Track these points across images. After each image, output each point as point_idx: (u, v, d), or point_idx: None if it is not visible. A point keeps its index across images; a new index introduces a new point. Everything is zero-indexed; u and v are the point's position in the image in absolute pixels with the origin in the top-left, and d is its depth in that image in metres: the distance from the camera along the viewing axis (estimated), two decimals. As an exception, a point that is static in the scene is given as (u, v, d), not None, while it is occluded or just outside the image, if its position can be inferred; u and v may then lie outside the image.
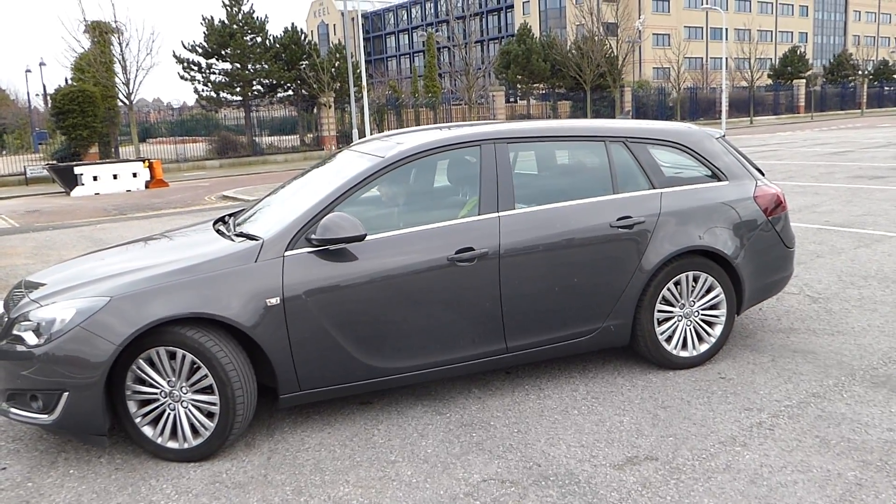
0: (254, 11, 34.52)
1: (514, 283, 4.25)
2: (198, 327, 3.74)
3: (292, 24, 36.41)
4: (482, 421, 4.13)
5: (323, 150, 34.11)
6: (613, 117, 35.21)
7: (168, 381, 3.78)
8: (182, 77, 34.48)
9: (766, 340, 5.18)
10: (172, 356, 3.75)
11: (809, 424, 3.89)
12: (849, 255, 7.71)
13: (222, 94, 34.91)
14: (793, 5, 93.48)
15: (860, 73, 73.15)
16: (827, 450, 3.62)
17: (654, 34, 76.72)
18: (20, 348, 3.74)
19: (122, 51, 27.27)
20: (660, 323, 4.62)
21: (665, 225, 4.56)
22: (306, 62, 34.83)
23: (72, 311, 3.71)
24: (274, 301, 3.84)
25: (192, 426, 3.82)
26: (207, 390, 3.77)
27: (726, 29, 64.74)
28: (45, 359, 3.66)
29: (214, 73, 34.65)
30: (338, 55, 35.87)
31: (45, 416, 3.75)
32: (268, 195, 5.24)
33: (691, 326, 4.72)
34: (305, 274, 3.92)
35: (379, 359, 4.07)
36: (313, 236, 3.94)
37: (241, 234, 4.27)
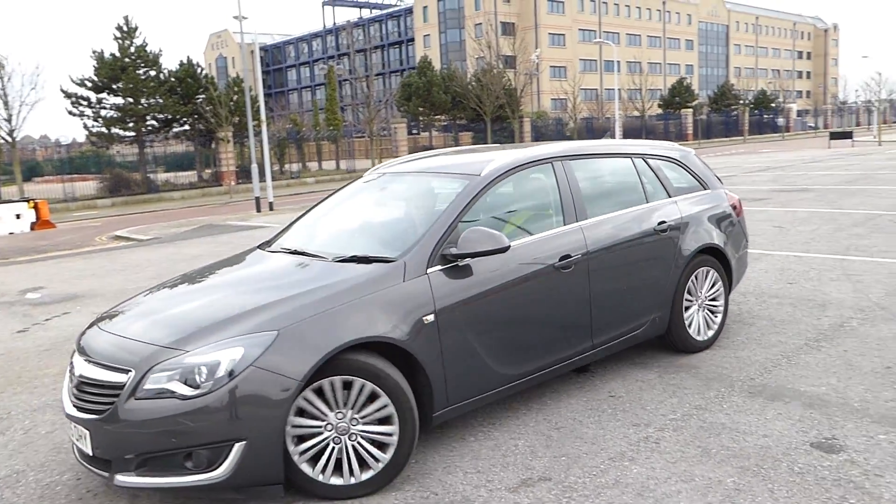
0: (147, 44, 33.73)
1: (599, 284, 4.72)
2: (371, 353, 3.61)
3: (188, 57, 35.88)
4: (379, 452, 4.10)
5: (222, 185, 33.41)
6: (513, 147, 36.18)
7: (336, 413, 3.53)
8: (71, 112, 33.25)
9: (654, 357, 5.39)
10: (347, 386, 3.53)
11: (692, 435, 4.07)
12: (730, 274, 8.12)
13: (114, 130, 33.83)
14: (679, 39, 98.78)
15: (741, 102, 77.81)
16: (708, 459, 3.79)
17: (550, 66, 79.42)
18: (170, 402, 3.29)
19: (2, 85, 26.06)
20: (685, 311, 5.36)
21: (687, 227, 5.40)
22: (203, 96, 34.22)
23: (239, 350, 3.36)
24: (430, 318, 3.84)
25: (361, 459, 3.59)
26: (385, 420, 3.61)
27: (618, 62, 67.64)
28: (212, 409, 3.26)
29: (105, 107, 33.60)
30: (236, 88, 35.40)
31: (210, 474, 3.31)
32: (301, 218, 5.23)
33: (702, 314, 5.51)
34: (449, 288, 3.97)
35: (507, 366, 4.25)
36: (454, 251, 4.00)
37: (354, 259, 4.09)
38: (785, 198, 15.55)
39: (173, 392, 3.30)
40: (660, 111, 69.99)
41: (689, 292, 5.38)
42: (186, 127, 35.86)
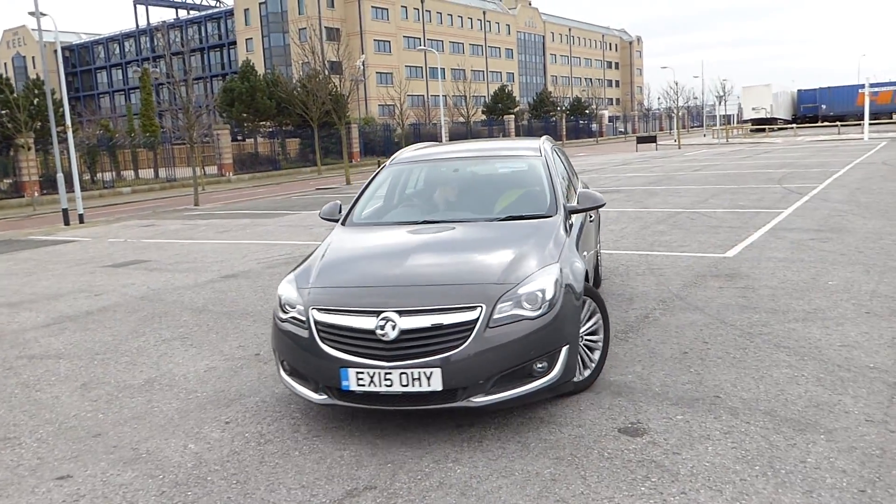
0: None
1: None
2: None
3: (-22, 57, 32.43)
4: (198, 478, 3.91)
5: (23, 196, 30.62)
6: (341, 154, 35.85)
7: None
8: None
9: (477, 358, 5.53)
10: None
11: (513, 431, 4.21)
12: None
13: None
14: (500, 48, 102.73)
15: (559, 108, 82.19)
16: (527, 452, 3.94)
17: (377, 73, 79.81)
18: (520, 325, 4.07)
19: None
20: None
21: None
22: (-2, 99, 31.15)
23: (553, 277, 4.31)
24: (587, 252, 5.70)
25: (583, 361, 4.65)
26: (595, 332, 4.80)
27: (443, 69, 69.26)
28: (549, 323, 4.15)
29: None
30: (37, 91, 32.58)
31: (548, 376, 4.19)
32: (364, 194, 6.02)
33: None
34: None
35: None
36: (577, 206, 5.56)
37: (521, 216, 5.29)
38: (597, 199, 16.57)
39: (521, 316, 4.10)
40: (484, 117, 72.41)
41: None
42: (-23, 133, 32.48)
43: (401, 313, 4.05)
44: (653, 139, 50.28)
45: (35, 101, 32.11)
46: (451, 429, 4.29)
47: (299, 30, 58.53)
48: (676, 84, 67.32)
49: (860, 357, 5.08)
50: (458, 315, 4.03)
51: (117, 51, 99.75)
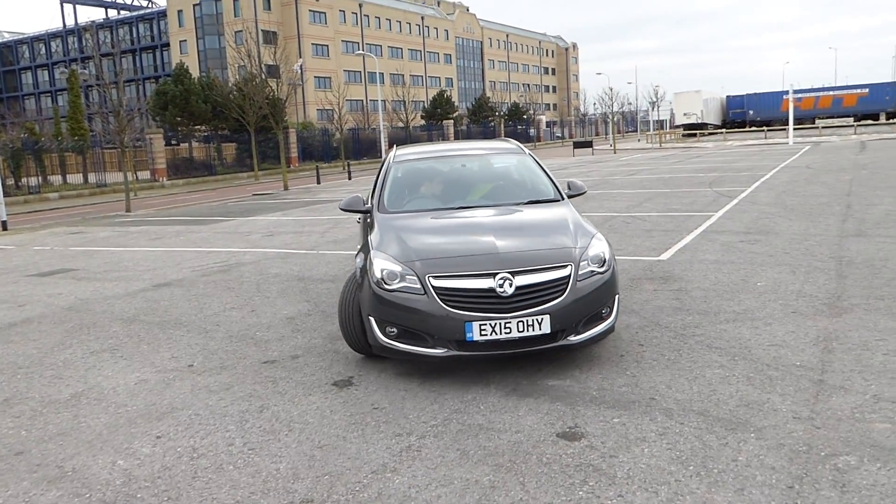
0: None
1: None
2: None
3: None
4: (127, 495, 3.77)
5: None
6: (279, 158, 35.34)
7: None
8: None
9: (417, 366, 5.51)
10: None
11: (452, 439, 4.19)
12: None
13: None
14: (438, 53, 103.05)
15: (497, 113, 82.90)
16: (466, 460, 3.92)
17: (315, 77, 79.10)
18: (595, 278, 5.23)
19: None
20: None
21: None
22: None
23: (604, 243, 5.54)
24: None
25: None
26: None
27: (381, 73, 69.09)
28: (611, 277, 5.34)
29: None
30: (-44, 94, 31.18)
31: (608, 320, 5.33)
32: (375, 186, 6.84)
33: None
34: None
35: None
36: (571, 191, 6.87)
37: (539, 202, 6.46)
38: (536, 203, 16.75)
39: (595, 272, 5.25)
40: (423, 122, 72.49)
41: None
42: None
43: (514, 274, 5.02)
44: (589, 144, 51.18)
45: (-46, 104, 30.75)
46: (389, 438, 4.25)
47: (235, 32, 57.47)
48: (611, 90, 68.76)
49: (787, 356, 5.24)
50: (556, 272, 5.12)
51: (43, 51, 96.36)
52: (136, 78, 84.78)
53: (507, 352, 5.03)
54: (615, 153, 46.60)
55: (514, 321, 4.92)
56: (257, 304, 8.09)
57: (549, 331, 4.97)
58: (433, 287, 5.01)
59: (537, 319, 4.95)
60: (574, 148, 51.47)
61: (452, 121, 72.90)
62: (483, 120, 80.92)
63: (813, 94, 73.56)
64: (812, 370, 4.92)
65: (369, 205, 6.65)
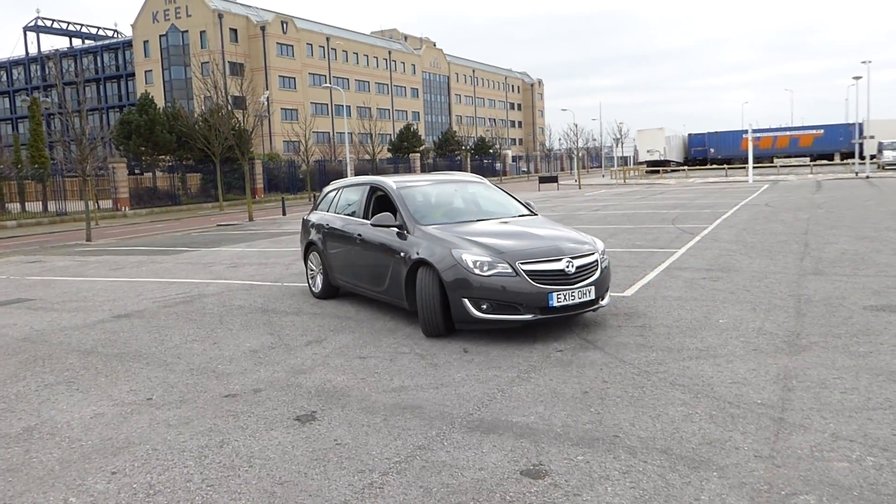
0: None
1: None
2: None
3: None
4: (79, 534, 3.64)
5: None
6: (244, 189, 35.11)
7: None
8: None
9: (379, 401, 5.46)
10: None
11: (415, 476, 4.14)
12: (453, 312, 8.55)
13: None
14: (405, 87, 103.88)
15: (464, 147, 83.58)
16: (429, 498, 3.87)
17: (282, 108, 79.11)
18: (606, 265, 7.68)
19: None
20: None
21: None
22: None
23: (602, 243, 7.91)
24: None
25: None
26: None
27: (348, 106, 69.31)
28: (608, 267, 7.80)
29: None
30: (-87, 119, 30.54)
31: (608, 297, 7.81)
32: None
33: None
34: None
35: None
36: (533, 208, 9.23)
37: (525, 214, 8.92)
38: (501, 237, 16.83)
39: (604, 258, 7.66)
40: (390, 155, 72.75)
41: None
42: None
43: (573, 258, 7.19)
44: (554, 179, 51.78)
45: (-90, 129, 30.10)
46: (351, 475, 4.19)
47: (202, 63, 57.26)
48: (576, 126, 69.72)
49: (749, 393, 5.29)
50: (592, 258, 7.41)
51: (4, 78, 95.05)
52: (99, 107, 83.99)
53: (572, 313, 7.20)
54: (580, 188, 47.19)
55: (577, 291, 7.08)
56: (220, 336, 7.96)
57: (593, 297, 7.24)
58: (524, 271, 6.92)
59: (588, 289, 7.19)
60: (539, 183, 52.04)
61: (419, 154, 73.30)
62: (449, 153, 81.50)
63: (771, 134, 75.59)
64: (772, 408, 4.98)
65: (399, 221, 8.11)
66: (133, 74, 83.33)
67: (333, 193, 10.33)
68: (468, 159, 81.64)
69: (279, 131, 76.84)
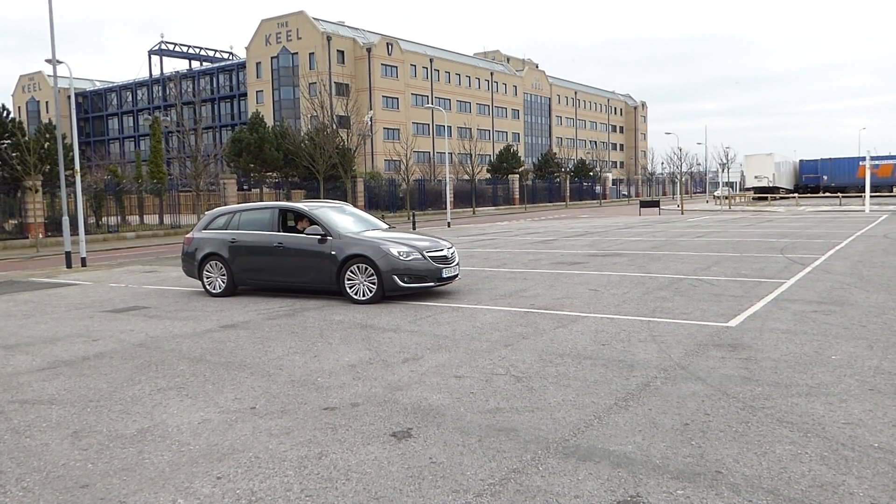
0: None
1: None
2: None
3: (-7, 99, 32.98)
4: (186, 534, 3.81)
5: (28, 238, 30.73)
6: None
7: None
8: None
9: (475, 422, 5.46)
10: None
11: (509, 500, 4.12)
12: (549, 336, 8.49)
13: None
14: (506, 108, 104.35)
15: (563, 170, 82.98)
16: (524, 524, 3.84)
17: (384, 128, 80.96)
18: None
19: None
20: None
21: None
22: (9, 141, 31.57)
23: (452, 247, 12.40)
24: None
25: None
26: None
27: (449, 127, 70.20)
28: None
29: None
30: (48, 135, 33.00)
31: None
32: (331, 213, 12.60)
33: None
34: None
35: None
36: (387, 223, 13.82)
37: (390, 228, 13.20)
38: (600, 262, 16.61)
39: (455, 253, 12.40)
40: (489, 176, 73.09)
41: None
42: (-12, 174, 32.82)
43: (448, 248, 12.03)
44: (656, 203, 50.64)
45: (46, 145, 32.53)
46: (446, 494, 4.20)
47: (310, 84, 59.51)
48: (680, 150, 68.21)
49: (864, 436, 5.00)
50: (454, 250, 12.19)
51: (129, 98, 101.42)
52: (213, 125, 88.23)
53: (451, 281, 11.82)
54: (683, 214, 45.95)
55: (453, 267, 11.77)
56: (320, 349, 8.18)
57: (458, 272, 12.03)
58: (429, 256, 11.41)
59: (456, 266, 11.97)
60: (640, 207, 50.99)
61: (518, 175, 73.30)
62: (548, 175, 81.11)
63: (891, 162, 71.38)
64: (892, 453, 4.68)
65: (323, 231, 11.75)
66: (245, 94, 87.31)
67: (225, 218, 13.04)
68: (567, 181, 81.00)
69: (381, 150, 78.61)
